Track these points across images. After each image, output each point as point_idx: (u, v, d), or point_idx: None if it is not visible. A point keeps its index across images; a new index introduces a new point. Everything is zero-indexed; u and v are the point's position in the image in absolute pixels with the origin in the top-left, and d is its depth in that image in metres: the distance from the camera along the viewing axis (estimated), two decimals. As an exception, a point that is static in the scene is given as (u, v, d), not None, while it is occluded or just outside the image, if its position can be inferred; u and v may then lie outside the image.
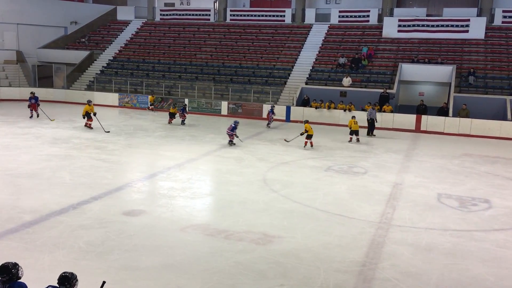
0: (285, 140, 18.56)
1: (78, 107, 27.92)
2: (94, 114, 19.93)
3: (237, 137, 17.66)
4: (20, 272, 4.76)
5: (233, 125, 17.60)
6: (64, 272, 4.70)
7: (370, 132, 21.31)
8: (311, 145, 17.60)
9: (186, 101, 26.62)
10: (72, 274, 4.69)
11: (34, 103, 22.37)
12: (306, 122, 17.96)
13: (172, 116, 22.43)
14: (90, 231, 8.64)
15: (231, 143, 17.62)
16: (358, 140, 19.13)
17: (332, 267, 7.63)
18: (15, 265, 4.77)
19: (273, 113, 23.29)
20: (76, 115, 24.05)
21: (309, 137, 17.60)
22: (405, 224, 9.82)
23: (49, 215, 9.39)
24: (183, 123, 22.21)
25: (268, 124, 23.09)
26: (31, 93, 23.03)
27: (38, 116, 22.22)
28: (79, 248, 7.88)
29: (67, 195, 10.72)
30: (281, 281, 7.11)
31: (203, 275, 7.19)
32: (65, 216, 9.42)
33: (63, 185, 11.59)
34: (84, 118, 20.20)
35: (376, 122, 21.47)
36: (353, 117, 19.62)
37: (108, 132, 19.18)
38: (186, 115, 22.40)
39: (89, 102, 20.71)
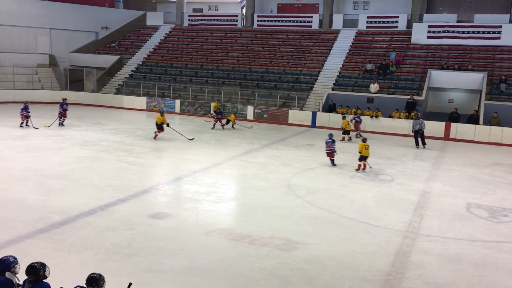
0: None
1: (107, 110, 28.54)
2: (167, 125, 18.93)
3: (335, 152, 15.53)
4: (47, 272, 4.83)
5: (331, 140, 15.39)
6: (92, 273, 4.79)
7: (419, 144, 19.93)
8: (363, 168, 15.06)
9: (212, 106, 26.80)
10: (100, 275, 4.76)
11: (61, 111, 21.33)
12: (363, 140, 15.20)
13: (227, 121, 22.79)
14: (117, 233, 8.78)
15: (333, 162, 15.55)
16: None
17: (357, 275, 7.54)
18: (42, 266, 4.83)
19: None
20: (105, 118, 24.53)
21: (362, 158, 15.02)
22: (433, 233, 9.62)
23: (78, 216, 9.58)
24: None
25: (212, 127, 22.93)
26: (63, 99, 22.10)
27: (61, 123, 21.22)
28: (106, 249, 8.01)
29: (95, 197, 10.92)
30: (305, 288, 7.07)
31: (226, 279, 7.20)
32: (93, 217, 9.60)
33: (92, 187, 11.82)
34: (159, 128, 18.98)
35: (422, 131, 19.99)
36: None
37: (192, 139, 18.77)
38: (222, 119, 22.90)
39: (162, 112, 19.62)
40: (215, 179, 13.22)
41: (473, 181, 14.44)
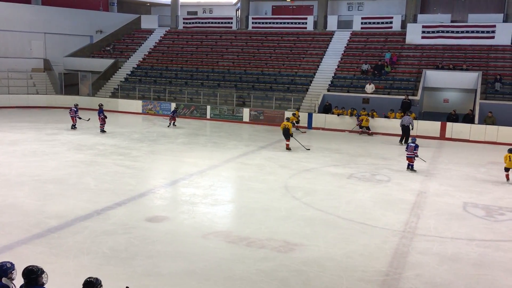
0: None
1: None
2: (291, 135, 18.18)
3: (418, 157, 15.31)
4: (42, 279, 4.75)
5: (414, 144, 15.24)
6: (89, 278, 4.76)
7: (402, 140, 20.89)
8: (507, 179, 14.42)
9: (208, 108, 26.80)
10: (96, 279, 4.74)
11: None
12: (510, 151, 14.43)
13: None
14: (114, 237, 8.75)
15: (411, 167, 15.30)
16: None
17: (355, 276, 7.54)
18: (38, 271, 4.75)
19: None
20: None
21: (507, 169, 14.48)
22: (430, 233, 9.64)
23: (74, 221, 9.55)
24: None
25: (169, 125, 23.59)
26: (100, 105, 22.17)
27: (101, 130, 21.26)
28: (103, 254, 7.99)
29: (91, 201, 10.89)
30: (303, 289, 7.06)
31: (224, 282, 7.19)
32: (89, 221, 9.57)
33: (88, 191, 11.79)
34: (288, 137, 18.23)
35: (412, 129, 20.97)
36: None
37: (309, 149, 18.30)
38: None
39: (287, 118, 18.98)
40: (211, 181, 13.21)
41: (469, 180, 14.49)
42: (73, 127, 21.71)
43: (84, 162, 15.01)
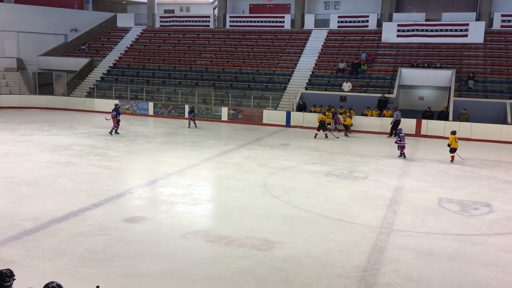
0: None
1: (78, 114, 28.04)
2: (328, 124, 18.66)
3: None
4: (7, 284, 4.47)
5: (403, 134, 17.23)
6: (50, 282, 4.44)
7: (392, 134, 22.19)
8: (452, 160, 16.61)
9: (186, 107, 26.65)
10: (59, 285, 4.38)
11: (114, 118, 20.43)
12: (453, 133, 16.69)
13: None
14: (91, 238, 8.63)
15: (404, 155, 17.28)
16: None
17: (333, 272, 7.61)
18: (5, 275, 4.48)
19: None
20: (76, 122, 24.10)
21: (452, 150, 16.50)
22: (407, 228, 9.80)
23: (50, 222, 9.38)
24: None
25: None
26: (115, 105, 21.34)
27: (115, 132, 20.53)
28: (80, 255, 7.87)
29: (68, 202, 10.71)
30: (282, 287, 7.09)
31: (204, 281, 7.17)
32: (66, 223, 9.41)
33: (64, 192, 11.59)
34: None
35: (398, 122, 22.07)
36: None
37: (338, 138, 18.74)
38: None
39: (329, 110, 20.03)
40: (190, 181, 13.15)
41: (444, 176, 14.77)
42: (115, 130, 20.63)
43: (60, 163, 14.76)
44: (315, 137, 21.19)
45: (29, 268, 7.28)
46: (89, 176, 13.29)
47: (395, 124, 22.26)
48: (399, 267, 7.89)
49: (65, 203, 10.68)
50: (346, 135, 22.68)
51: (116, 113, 20.42)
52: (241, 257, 8.05)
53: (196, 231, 9.24)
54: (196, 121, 24.09)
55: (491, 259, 8.33)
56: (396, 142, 17.59)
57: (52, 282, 4.46)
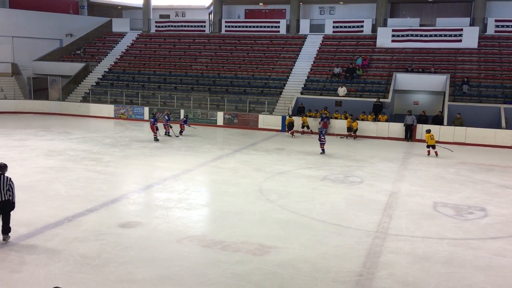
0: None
1: (73, 119, 27.98)
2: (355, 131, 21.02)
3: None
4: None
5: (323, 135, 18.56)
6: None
7: (408, 137, 23.00)
8: (428, 154, 18.96)
9: (182, 112, 26.64)
10: None
11: (152, 125, 20.70)
12: (428, 131, 19.06)
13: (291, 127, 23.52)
14: (86, 244, 8.58)
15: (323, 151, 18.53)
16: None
17: (329, 277, 7.60)
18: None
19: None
20: (71, 127, 24.05)
21: (428, 146, 18.90)
22: (402, 233, 9.81)
23: (44, 228, 9.33)
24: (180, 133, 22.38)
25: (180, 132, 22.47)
26: (152, 113, 22.06)
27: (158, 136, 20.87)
28: (75, 261, 7.83)
29: (62, 208, 10.66)
30: (278, 292, 7.08)
31: (199, 286, 7.14)
32: (60, 228, 9.36)
33: (58, 198, 11.54)
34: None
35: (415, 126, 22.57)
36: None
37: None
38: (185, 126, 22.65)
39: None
40: (186, 186, 13.12)
41: (439, 180, 14.81)
42: (168, 134, 21.95)
43: (54, 168, 14.70)
44: (292, 135, 23.28)
45: (23, 274, 7.23)
46: (83, 181, 13.24)
47: (408, 127, 22.94)
48: (395, 271, 7.89)
49: (60, 208, 10.62)
50: (352, 137, 23.27)
51: (154, 120, 20.80)
52: (236, 262, 8.03)
53: (192, 236, 9.21)
54: (192, 126, 24.02)
55: (486, 263, 8.35)
56: (319, 140, 18.51)
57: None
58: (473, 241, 9.50)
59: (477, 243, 9.40)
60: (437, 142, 22.34)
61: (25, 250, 8.22)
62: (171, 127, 22.30)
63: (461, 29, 28.57)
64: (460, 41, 28.47)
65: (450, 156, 18.94)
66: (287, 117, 24.02)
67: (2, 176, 8.47)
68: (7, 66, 32.42)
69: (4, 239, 8.56)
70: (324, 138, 18.52)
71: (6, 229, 8.56)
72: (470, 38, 28.31)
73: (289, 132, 23.44)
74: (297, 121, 24.32)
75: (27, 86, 31.68)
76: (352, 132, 23.28)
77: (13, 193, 8.49)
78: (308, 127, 24.27)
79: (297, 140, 22.32)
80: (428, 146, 18.87)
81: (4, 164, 8.76)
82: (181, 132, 22.50)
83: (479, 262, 8.40)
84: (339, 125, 24.04)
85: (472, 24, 29.68)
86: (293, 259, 8.23)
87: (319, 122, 23.60)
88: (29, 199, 11.32)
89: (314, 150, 19.28)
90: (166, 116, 22.38)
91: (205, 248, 8.65)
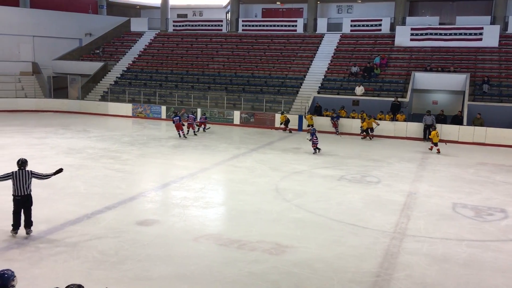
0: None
1: (92, 117, 28.32)
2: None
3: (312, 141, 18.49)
4: (8, 284, 4.59)
5: (313, 133, 18.63)
6: (70, 285, 4.56)
7: (427, 137, 22.37)
8: (430, 149, 19.85)
9: (199, 111, 26.71)
10: (79, 286, 4.52)
11: (178, 123, 21.21)
12: (434, 129, 20.19)
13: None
14: (104, 241, 8.69)
15: (317, 151, 18.38)
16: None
17: (346, 277, 7.56)
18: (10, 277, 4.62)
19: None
20: (90, 125, 24.35)
21: (434, 144, 19.63)
22: (420, 234, 9.70)
23: (64, 225, 9.47)
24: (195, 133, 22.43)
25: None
26: (174, 112, 22.73)
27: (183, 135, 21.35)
28: (93, 258, 7.93)
29: (81, 205, 10.81)
30: (294, 291, 7.06)
31: (216, 285, 7.17)
32: (79, 225, 9.49)
33: (78, 195, 11.70)
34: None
35: (432, 127, 21.79)
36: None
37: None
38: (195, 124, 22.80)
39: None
40: (202, 184, 13.18)
41: (458, 181, 14.61)
42: (194, 133, 22.29)
43: (74, 166, 14.90)
44: (290, 132, 24.32)
45: (43, 270, 7.35)
46: (102, 179, 13.40)
47: (427, 127, 22.54)
48: (413, 272, 7.81)
49: (79, 205, 10.77)
50: (369, 138, 22.98)
51: (178, 118, 21.34)
52: (252, 261, 8.04)
53: (208, 235, 9.25)
54: (209, 124, 24.19)
55: (506, 266, 8.21)
56: (310, 140, 18.36)
57: (73, 284, 4.54)
58: (492, 243, 9.35)
59: (497, 245, 9.24)
60: (453, 142, 22.23)
61: (44, 246, 8.35)
62: (197, 125, 22.91)
63: (482, 28, 28.09)
64: (480, 40, 28.00)
65: (469, 157, 18.66)
66: (281, 115, 24.59)
67: (23, 170, 8.69)
68: (28, 65, 32.99)
69: (27, 233, 8.74)
70: (316, 138, 18.24)
71: (29, 223, 8.73)
72: (490, 37, 27.82)
73: (286, 129, 24.28)
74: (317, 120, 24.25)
75: (47, 85, 32.19)
76: (369, 131, 22.91)
77: (40, 174, 8.98)
78: (312, 125, 23.56)
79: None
80: (432, 142, 19.56)
81: (25, 159, 8.93)
82: (204, 129, 23.25)
83: (499, 264, 8.27)
84: (356, 124, 23.83)
85: (492, 22, 29.14)
86: (310, 259, 8.20)
87: (331, 122, 23.94)
88: (49, 196, 11.51)
89: (330, 149, 19.19)
90: (191, 115, 22.74)
91: (221, 247, 8.67)
